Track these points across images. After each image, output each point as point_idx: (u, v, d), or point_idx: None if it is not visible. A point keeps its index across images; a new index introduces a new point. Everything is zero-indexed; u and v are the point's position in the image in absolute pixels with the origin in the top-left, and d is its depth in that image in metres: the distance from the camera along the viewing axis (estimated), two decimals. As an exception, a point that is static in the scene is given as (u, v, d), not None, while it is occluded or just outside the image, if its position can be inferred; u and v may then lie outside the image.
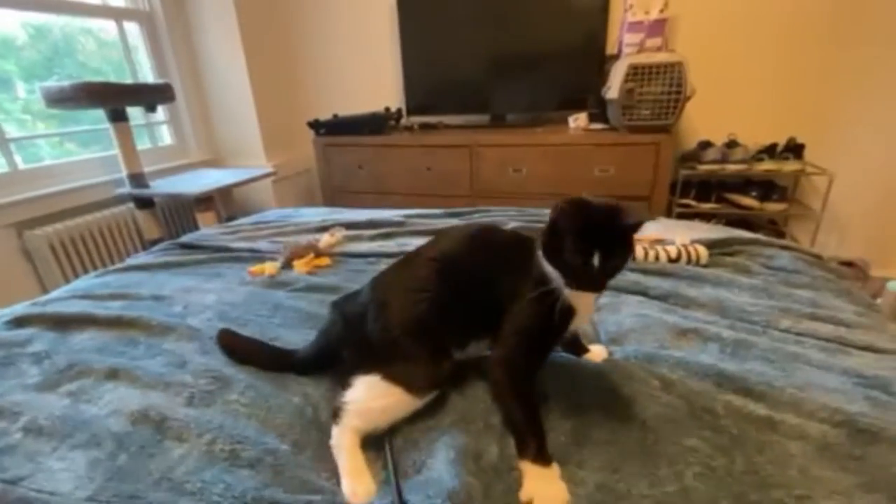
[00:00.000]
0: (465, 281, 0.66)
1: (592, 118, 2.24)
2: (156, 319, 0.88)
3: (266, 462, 0.58)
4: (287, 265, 1.17)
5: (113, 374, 0.74)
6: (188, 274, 1.15)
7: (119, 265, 1.23)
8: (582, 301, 0.61)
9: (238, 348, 0.79)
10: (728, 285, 0.93)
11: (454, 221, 1.47)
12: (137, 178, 2.05)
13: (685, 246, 1.05)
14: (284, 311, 0.93)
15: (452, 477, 0.52)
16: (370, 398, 0.62)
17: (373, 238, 1.38)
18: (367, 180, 2.47)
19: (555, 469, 0.55)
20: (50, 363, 0.78)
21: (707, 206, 2.17)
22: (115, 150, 1.99)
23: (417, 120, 2.60)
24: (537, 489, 0.53)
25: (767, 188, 2.14)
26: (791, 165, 2.07)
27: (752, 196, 2.14)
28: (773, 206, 2.13)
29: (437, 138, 2.35)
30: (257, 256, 1.24)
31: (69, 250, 1.92)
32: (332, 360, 0.72)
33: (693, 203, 2.19)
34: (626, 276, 0.89)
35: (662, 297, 0.89)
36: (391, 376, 0.62)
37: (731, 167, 2.08)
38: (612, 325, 0.84)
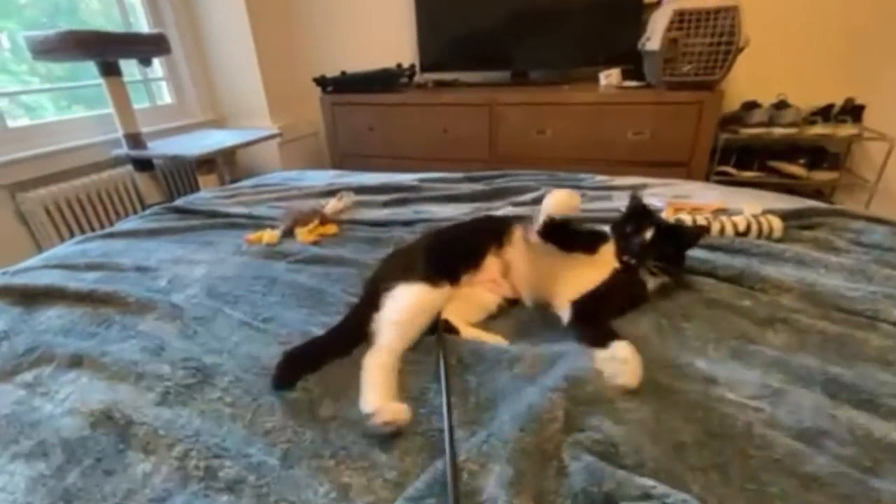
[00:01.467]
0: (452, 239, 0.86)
1: (626, 75, 2.04)
2: (134, 295, 0.75)
3: (248, 482, 0.46)
4: (288, 233, 1.04)
5: (77, 362, 0.62)
6: (178, 242, 1.02)
7: (103, 231, 1.11)
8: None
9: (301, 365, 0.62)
10: (813, 265, 0.77)
11: (475, 186, 1.32)
12: (134, 139, 1.91)
13: (755, 217, 0.88)
14: (282, 286, 0.80)
15: None
16: (397, 305, 0.66)
17: (385, 204, 1.24)
18: (377, 143, 2.31)
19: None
20: (8, 346, 0.67)
21: (748, 175, 1.98)
22: (110, 109, 1.85)
23: (432, 77, 2.41)
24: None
25: (817, 155, 1.93)
26: (847, 129, 1.86)
27: (799, 164, 1.94)
28: (823, 175, 1.93)
29: (453, 97, 2.16)
30: (256, 223, 1.10)
31: (66, 214, 1.83)
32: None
33: (733, 171, 1.99)
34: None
35: (734, 279, 0.73)
36: (412, 279, 0.69)
37: (779, 131, 1.88)
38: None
